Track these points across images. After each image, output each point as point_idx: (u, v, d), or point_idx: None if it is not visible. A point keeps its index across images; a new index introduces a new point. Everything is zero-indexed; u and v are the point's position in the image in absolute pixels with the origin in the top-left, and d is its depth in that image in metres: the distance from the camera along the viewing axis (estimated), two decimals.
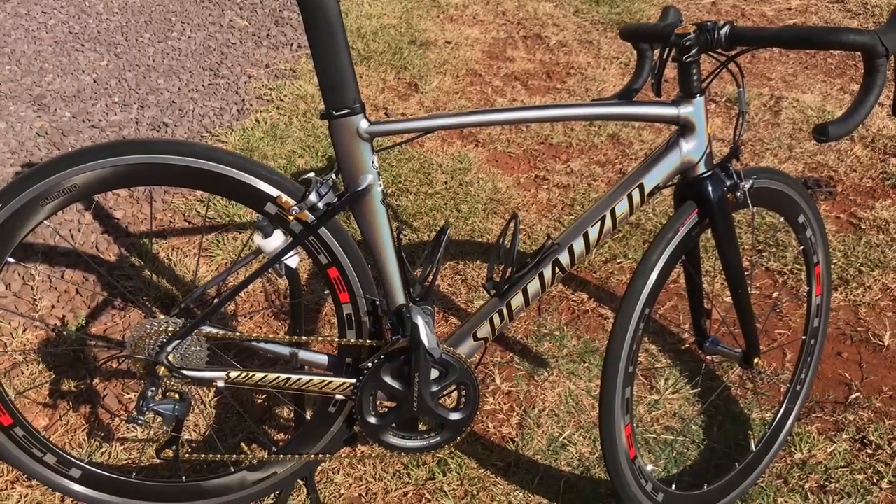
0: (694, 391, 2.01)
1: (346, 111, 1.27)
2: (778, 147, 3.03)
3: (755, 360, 1.68)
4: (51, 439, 1.66)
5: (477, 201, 2.71)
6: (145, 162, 1.29)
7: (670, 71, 1.38)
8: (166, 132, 3.04)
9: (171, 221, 2.58)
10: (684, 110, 1.37)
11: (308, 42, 1.24)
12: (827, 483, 1.78)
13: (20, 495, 1.71)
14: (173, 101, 3.24)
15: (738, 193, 1.44)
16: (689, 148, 1.40)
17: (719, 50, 1.34)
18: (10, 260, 1.36)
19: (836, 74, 3.59)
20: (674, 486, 1.63)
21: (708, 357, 2.08)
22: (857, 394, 2.00)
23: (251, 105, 3.27)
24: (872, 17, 4.07)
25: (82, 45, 3.63)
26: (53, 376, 2.00)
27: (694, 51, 1.33)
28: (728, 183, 1.43)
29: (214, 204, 2.62)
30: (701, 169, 1.42)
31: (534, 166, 2.93)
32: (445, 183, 2.80)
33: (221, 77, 3.46)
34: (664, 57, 1.39)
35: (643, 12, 4.15)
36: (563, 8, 4.24)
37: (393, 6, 4.20)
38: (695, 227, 1.44)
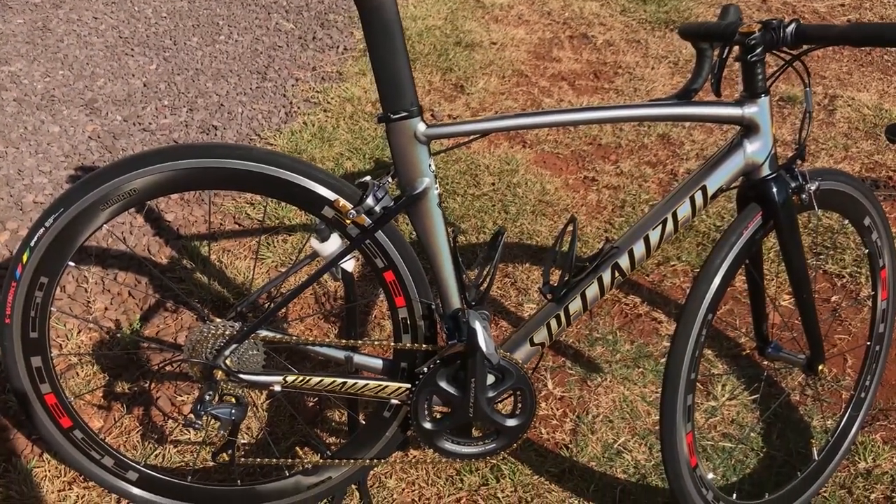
0: (752, 398, 1.96)
1: (404, 114, 1.26)
2: (833, 147, 2.95)
3: (820, 367, 1.63)
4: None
5: (525, 203, 2.68)
6: (204, 166, 1.29)
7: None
8: (215, 135, 3.06)
9: (221, 224, 2.59)
10: (749, 110, 1.34)
11: (366, 45, 1.23)
12: (894, 494, 1.72)
13: (77, 496, 1.72)
14: (222, 105, 3.27)
15: (804, 196, 1.40)
16: (754, 149, 1.36)
17: (784, 49, 1.30)
18: (70, 263, 1.37)
19: (894, 72, 3.49)
20: (734, 496, 1.59)
21: (768, 363, 2.03)
22: None
23: (298, 108, 3.28)
24: None
25: (132, 50, 3.68)
26: (107, 378, 2.02)
27: (759, 49, 1.29)
28: (793, 185, 1.39)
29: (265, 207, 2.63)
30: (765, 171, 1.37)
31: (582, 167, 2.90)
32: (493, 184, 2.78)
33: (269, 80, 3.48)
34: (724, 56, 1.36)
35: (691, 10, 4.08)
36: (610, 7, 4.19)
37: (438, 7, 4.19)
38: (759, 230, 1.40)
